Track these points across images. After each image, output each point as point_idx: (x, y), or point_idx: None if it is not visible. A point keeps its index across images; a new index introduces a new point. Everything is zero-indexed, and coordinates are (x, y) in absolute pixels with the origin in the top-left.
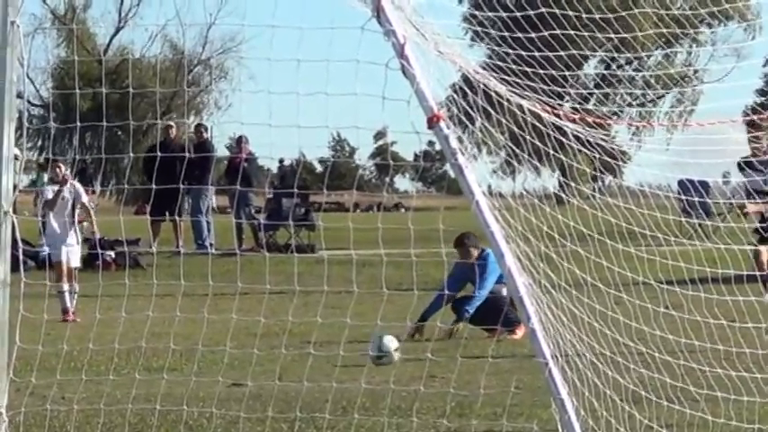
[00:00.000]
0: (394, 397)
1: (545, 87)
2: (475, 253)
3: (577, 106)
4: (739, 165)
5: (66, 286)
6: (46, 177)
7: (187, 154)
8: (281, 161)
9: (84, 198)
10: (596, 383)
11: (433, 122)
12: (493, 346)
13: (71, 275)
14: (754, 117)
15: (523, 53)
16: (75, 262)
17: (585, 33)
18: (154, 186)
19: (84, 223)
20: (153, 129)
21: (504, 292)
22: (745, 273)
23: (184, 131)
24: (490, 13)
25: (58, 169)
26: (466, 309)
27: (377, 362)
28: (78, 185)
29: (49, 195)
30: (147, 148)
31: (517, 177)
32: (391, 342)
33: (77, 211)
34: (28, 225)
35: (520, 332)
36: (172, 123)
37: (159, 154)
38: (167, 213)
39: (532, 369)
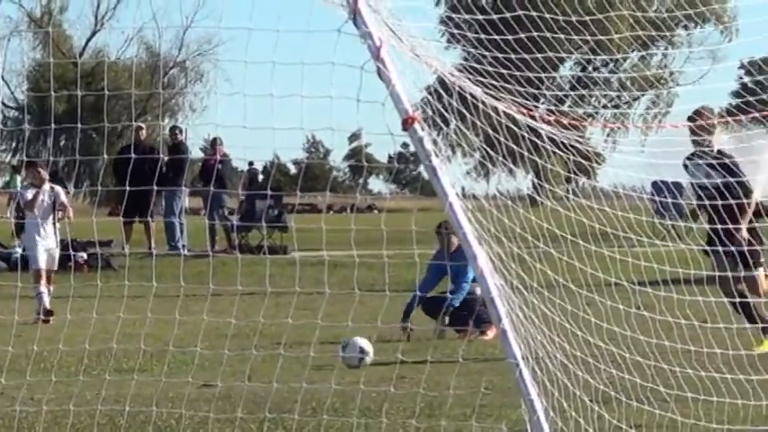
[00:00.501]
0: (363, 398)
1: (521, 89)
2: (456, 241)
3: (553, 108)
4: (685, 165)
5: (43, 288)
6: (19, 179)
7: (159, 155)
8: (250, 163)
9: (64, 198)
10: (566, 384)
11: (407, 124)
12: (463, 346)
13: (50, 278)
14: (699, 121)
15: (499, 55)
16: (54, 264)
17: (562, 35)
18: (127, 188)
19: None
20: (127, 131)
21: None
22: (717, 273)
23: (158, 133)
24: (466, 16)
25: (36, 171)
26: (451, 302)
27: (358, 364)
28: (58, 187)
29: (29, 197)
30: (118, 150)
31: (491, 179)
32: (367, 344)
33: (57, 213)
34: (2, 226)
35: (491, 333)
36: (142, 125)
37: (133, 155)
38: (138, 215)
39: (502, 370)
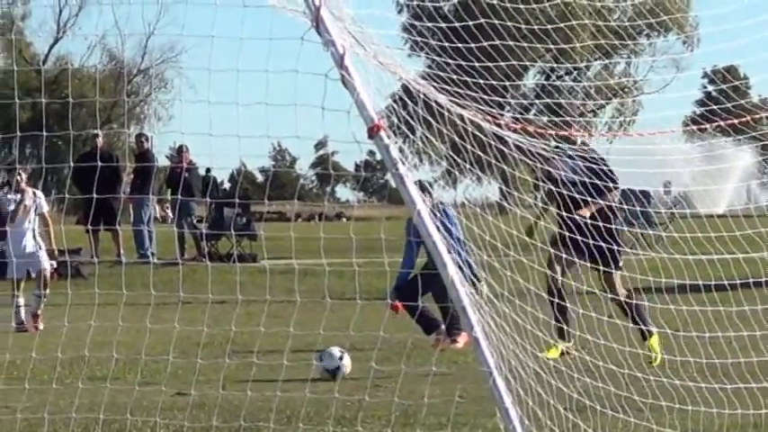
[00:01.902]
0: (338, 406)
1: (485, 97)
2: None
3: (518, 116)
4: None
5: (21, 300)
6: None
7: (117, 163)
8: (207, 170)
9: (45, 208)
10: (540, 393)
11: (373, 132)
12: (436, 355)
13: (45, 282)
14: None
15: (463, 63)
16: (45, 264)
17: (525, 44)
18: (94, 196)
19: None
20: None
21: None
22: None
23: (123, 141)
24: (429, 24)
25: (18, 177)
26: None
27: (335, 373)
28: (40, 194)
29: (11, 205)
30: (75, 159)
31: (459, 186)
32: (343, 353)
33: (37, 221)
34: None
35: (461, 340)
36: (98, 133)
37: (99, 164)
38: (103, 223)
39: (476, 378)
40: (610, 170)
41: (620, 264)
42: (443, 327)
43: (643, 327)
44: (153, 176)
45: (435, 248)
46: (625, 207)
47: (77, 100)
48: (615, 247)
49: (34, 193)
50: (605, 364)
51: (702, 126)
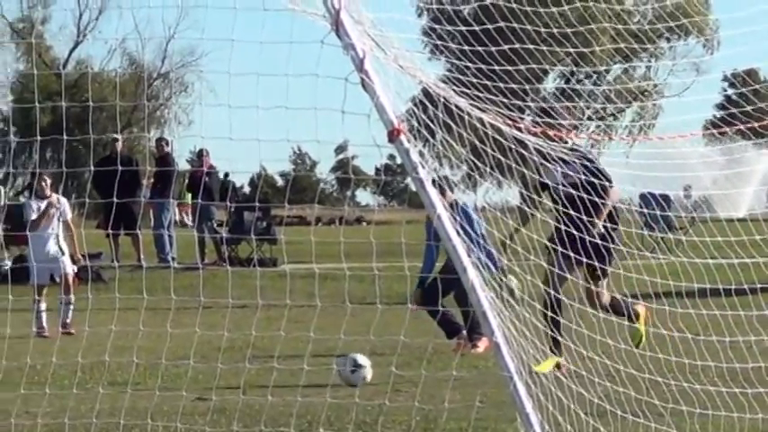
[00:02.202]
0: (359, 411)
1: (505, 101)
2: (451, 197)
3: (538, 120)
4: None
5: (43, 305)
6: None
7: (137, 167)
8: (225, 174)
9: (69, 215)
10: (560, 398)
11: (393, 136)
12: (457, 360)
13: (68, 286)
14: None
15: (483, 67)
16: (68, 269)
17: (544, 48)
18: (114, 200)
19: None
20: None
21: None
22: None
23: (144, 145)
24: (449, 27)
25: (43, 183)
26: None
27: (351, 376)
28: (64, 201)
29: (33, 214)
30: (95, 163)
31: (479, 190)
32: (365, 359)
33: (60, 228)
34: None
35: (482, 345)
36: (118, 137)
37: (119, 168)
38: (123, 227)
39: (497, 383)
40: (603, 170)
41: (609, 269)
42: (465, 332)
43: (628, 320)
44: (173, 181)
45: (455, 252)
46: (645, 211)
47: (98, 104)
48: (611, 246)
49: (58, 200)
50: (626, 368)
51: (723, 130)
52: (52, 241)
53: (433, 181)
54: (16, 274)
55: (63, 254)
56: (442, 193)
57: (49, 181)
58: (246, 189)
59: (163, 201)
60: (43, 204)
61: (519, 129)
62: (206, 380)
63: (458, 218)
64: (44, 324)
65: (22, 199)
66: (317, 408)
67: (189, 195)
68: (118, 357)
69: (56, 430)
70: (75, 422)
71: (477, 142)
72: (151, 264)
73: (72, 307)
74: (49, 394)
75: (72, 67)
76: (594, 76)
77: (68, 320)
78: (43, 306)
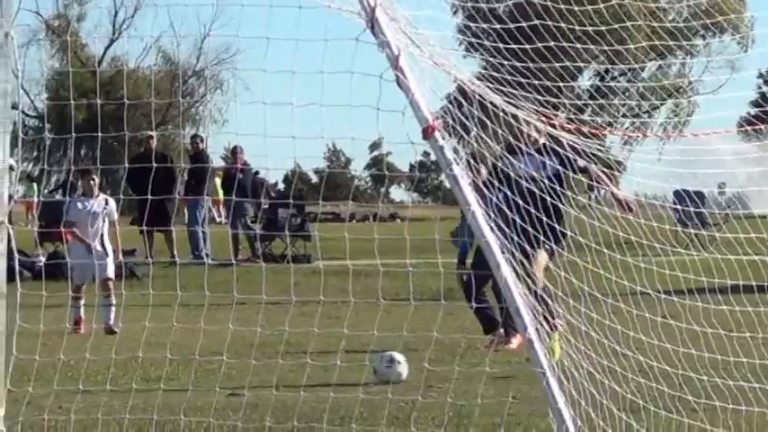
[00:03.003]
0: (392, 407)
1: (540, 98)
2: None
3: (572, 117)
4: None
5: (81, 301)
6: (36, 188)
7: (171, 164)
8: (255, 173)
9: (115, 216)
10: (593, 393)
11: (428, 133)
12: (489, 355)
13: (107, 287)
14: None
15: (518, 64)
16: (109, 272)
17: (579, 45)
18: (149, 197)
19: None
20: (148, 140)
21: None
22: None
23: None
24: (484, 25)
25: (92, 182)
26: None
27: (386, 371)
28: (112, 201)
29: (78, 208)
30: (129, 160)
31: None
32: (401, 356)
33: (106, 229)
34: (24, 235)
35: (515, 341)
36: (152, 134)
37: (154, 165)
38: (157, 224)
39: (529, 379)
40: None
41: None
42: (500, 330)
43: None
44: (208, 178)
45: (489, 249)
46: (679, 208)
47: (133, 101)
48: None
49: (106, 201)
50: (659, 364)
51: (758, 126)
52: (97, 241)
53: (470, 159)
54: (50, 270)
55: (107, 255)
56: (478, 170)
57: (97, 180)
58: (281, 186)
59: (197, 198)
60: (90, 203)
61: (553, 126)
62: (239, 376)
63: (494, 197)
64: (81, 315)
65: (57, 196)
66: (350, 404)
67: (221, 192)
68: (151, 353)
69: (89, 426)
70: (109, 418)
71: (511, 139)
72: (185, 260)
73: (113, 308)
74: (83, 390)
75: (107, 64)
76: (629, 73)
77: (111, 321)
78: (81, 302)
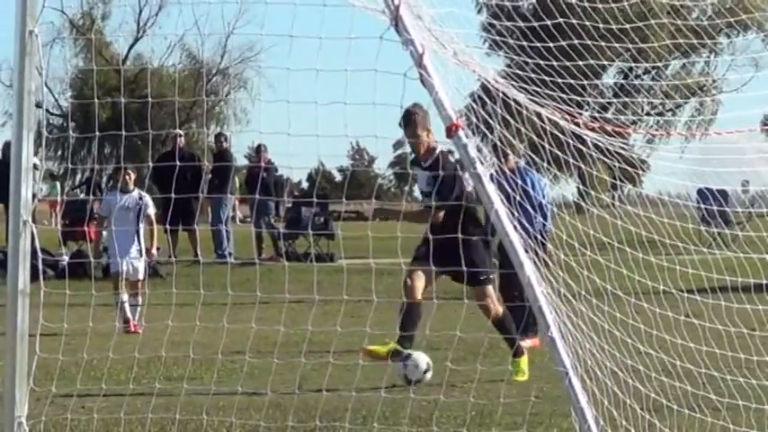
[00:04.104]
0: (414, 406)
1: (564, 96)
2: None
3: (596, 115)
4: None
5: (125, 297)
6: (59, 187)
7: (199, 163)
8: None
9: (151, 210)
10: (616, 392)
11: (451, 131)
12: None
13: (135, 287)
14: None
15: (541, 62)
16: (140, 274)
17: (603, 43)
18: (173, 196)
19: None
20: (174, 138)
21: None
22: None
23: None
24: (508, 23)
25: (127, 177)
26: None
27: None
28: (147, 196)
29: (110, 203)
30: (156, 158)
31: None
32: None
33: (141, 224)
34: (47, 234)
35: (529, 341)
36: (180, 132)
37: (178, 163)
38: (182, 223)
39: (552, 378)
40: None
41: (486, 277)
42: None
43: (510, 347)
44: (231, 176)
45: (512, 247)
46: (702, 206)
47: (157, 99)
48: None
49: (140, 196)
50: (682, 363)
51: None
52: (134, 239)
53: (495, 146)
54: (74, 269)
55: (141, 256)
56: (505, 156)
57: (133, 175)
58: (305, 184)
59: (221, 196)
60: (123, 199)
61: (577, 124)
62: (261, 375)
63: (519, 181)
64: (128, 315)
65: (81, 195)
66: (372, 403)
67: (239, 190)
68: (174, 352)
69: (112, 425)
70: (131, 417)
71: (534, 137)
72: (208, 259)
73: (138, 309)
74: (106, 389)
75: (131, 62)
76: (653, 71)
77: (135, 322)
78: (125, 297)
